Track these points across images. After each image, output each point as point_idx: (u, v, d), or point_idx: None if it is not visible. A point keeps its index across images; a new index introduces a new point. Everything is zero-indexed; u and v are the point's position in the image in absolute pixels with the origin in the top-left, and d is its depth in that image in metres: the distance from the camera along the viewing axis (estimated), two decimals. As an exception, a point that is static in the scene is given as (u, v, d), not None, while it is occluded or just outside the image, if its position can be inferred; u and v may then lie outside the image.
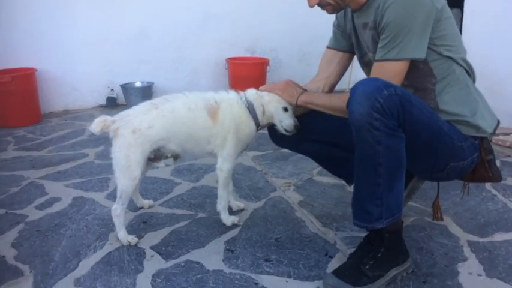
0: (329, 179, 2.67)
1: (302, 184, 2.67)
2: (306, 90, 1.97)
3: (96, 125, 1.93)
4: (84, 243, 2.05)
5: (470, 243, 1.98)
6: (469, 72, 1.76)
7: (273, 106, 1.98)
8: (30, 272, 1.84)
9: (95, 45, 4.51)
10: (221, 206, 2.15)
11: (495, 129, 1.79)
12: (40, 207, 2.42)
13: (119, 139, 1.93)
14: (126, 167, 1.94)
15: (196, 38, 4.81)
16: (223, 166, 2.06)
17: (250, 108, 2.01)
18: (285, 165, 2.96)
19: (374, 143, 1.51)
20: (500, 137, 3.14)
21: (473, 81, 1.79)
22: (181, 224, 2.22)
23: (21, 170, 2.96)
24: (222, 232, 2.12)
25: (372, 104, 1.47)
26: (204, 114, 1.97)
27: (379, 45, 1.66)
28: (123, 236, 2.02)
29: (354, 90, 1.54)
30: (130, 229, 2.14)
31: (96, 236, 2.11)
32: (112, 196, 2.50)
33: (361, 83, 1.54)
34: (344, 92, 1.88)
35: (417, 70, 1.69)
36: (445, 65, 1.68)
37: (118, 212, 2.00)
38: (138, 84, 4.60)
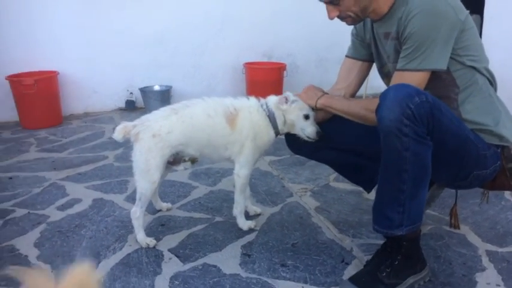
0: (346, 185, 2.67)
1: (319, 190, 2.68)
2: (326, 93, 1.98)
3: (118, 133, 1.98)
4: (103, 244, 2.09)
5: (489, 253, 1.97)
6: (492, 81, 1.75)
7: (294, 115, 1.99)
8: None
9: (115, 49, 4.58)
10: (237, 210, 2.18)
11: None
12: (61, 208, 2.48)
13: (139, 143, 1.97)
14: (146, 170, 1.97)
15: (214, 42, 4.85)
16: (241, 172, 2.08)
17: (271, 117, 2.02)
18: (302, 170, 2.97)
19: (402, 149, 1.51)
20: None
21: (495, 90, 1.79)
22: (199, 227, 2.24)
23: (43, 171, 3.02)
24: (239, 236, 2.14)
25: (403, 110, 1.48)
26: (222, 121, 1.99)
27: (401, 55, 1.66)
28: (141, 238, 2.06)
29: (384, 95, 1.54)
30: (149, 231, 2.18)
31: (116, 237, 2.15)
32: (131, 198, 2.54)
33: (392, 88, 1.55)
34: (362, 98, 1.89)
35: (440, 80, 1.69)
36: (468, 74, 1.68)
37: (137, 214, 2.04)
38: (156, 88, 4.65)
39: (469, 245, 2.03)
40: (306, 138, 1.99)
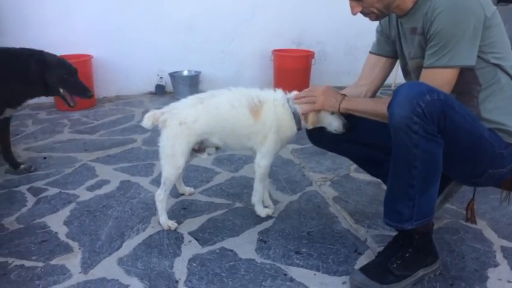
0: (366, 176, 2.68)
1: (338, 180, 2.71)
2: (345, 95, 1.97)
3: (147, 120, 2.07)
4: (128, 225, 2.21)
5: (504, 249, 1.97)
6: None
7: (319, 115, 2.00)
8: (79, 248, 2.01)
9: (147, 35, 4.69)
10: (256, 198, 2.24)
11: None
12: (90, 188, 2.61)
13: (166, 130, 2.05)
14: (172, 156, 2.06)
15: (243, 29, 4.88)
16: (261, 162, 2.12)
17: (295, 113, 2.05)
18: (323, 160, 3.00)
19: (411, 145, 1.54)
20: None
21: None
22: (219, 212, 2.33)
23: (75, 152, 3.17)
24: (257, 223, 2.21)
25: (413, 108, 1.49)
26: (246, 112, 2.03)
27: (428, 52, 1.65)
28: (164, 220, 2.16)
29: (396, 92, 1.56)
30: (171, 214, 2.28)
31: (140, 218, 2.26)
32: (156, 182, 2.65)
33: (405, 86, 1.56)
34: (383, 96, 1.90)
35: (462, 77, 1.67)
36: (492, 72, 1.67)
37: (161, 197, 2.13)
38: (185, 73, 4.75)
39: (484, 240, 2.04)
40: (334, 132, 2.01)
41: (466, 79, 1.68)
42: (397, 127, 1.54)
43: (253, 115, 2.03)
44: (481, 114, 1.70)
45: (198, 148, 2.16)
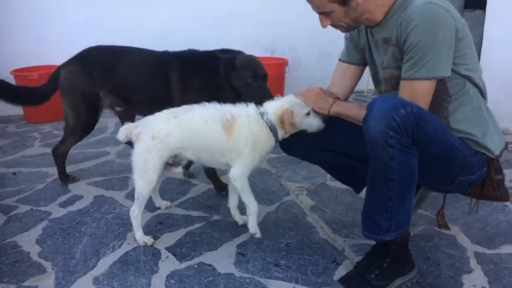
0: (342, 184, 2.69)
1: (315, 189, 2.73)
2: (338, 98, 1.98)
3: (121, 133, 2.06)
4: (103, 242, 2.16)
5: (477, 255, 2.01)
6: (483, 92, 1.78)
7: (298, 119, 1.99)
8: (53, 268, 1.96)
9: (121, 43, 4.60)
10: (249, 211, 2.15)
11: (502, 151, 1.81)
12: (63, 204, 2.55)
13: (139, 143, 2.03)
14: (144, 170, 2.03)
15: (217, 37, 4.84)
16: (235, 173, 2.06)
17: (272, 127, 2.02)
18: (300, 168, 3.02)
19: (388, 159, 1.56)
20: (515, 145, 3.12)
21: (485, 101, 1.81)
22: (196, 225, 2.31)
23: (46, 167, 3.10)
24: (235, 235, 2.20)
25: (388, 122, 1.52)
26: (218, 127, 2.01)
27: (406, 63, 1.67)
28: (140, 236, 2.12)
29: (371, 107, 1.58)
30: (147, 229, 2.24)
31: (115, 235, 2.22)
32: (131, 196, 2.59)
33: (378, 100, 1.58)
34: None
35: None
36: (461, 84, 1.71)
37: (136, 213, 2.10)
38: (159, 82, 4.69)
39: (458, 247, 2.08)
40: (316, 131, 2.01)
41: (437, 90, 1.72)
42: (373, 141, 1.56)
43: (226, 131, 2.01)
44: (451, 124, 1.75)
45: (173, 162, 2.14)
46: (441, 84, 1.70)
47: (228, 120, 2.02)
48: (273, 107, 2.04)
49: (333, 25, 1.79)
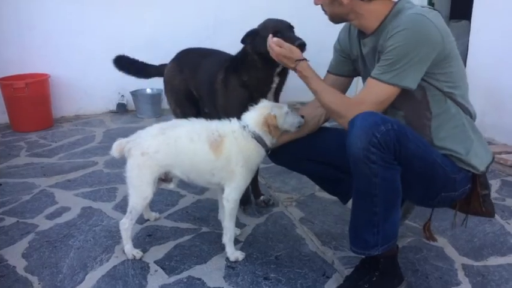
0: (331, 195, 2.71)
1: (304, 200, 2.73)
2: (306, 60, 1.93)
3: (115, 150, 2.03)
4: (91, 255, 2.13)
5: (465, 267, 2.03)
6: (467, 110, 1.79)
7: (279, 122, 1.97)
8: (39, 283, 1.93)
9: (107, 52, 4.53)
10: (227, 238, 2.09)
11: (488, 166, 1.82)
12: (50, 216, 2.52)
13: (131, 159, 2.01)
14: (137, 186, 2.01)
15: (206, 45, 4.83)
16: (230, 196, 2.01)
17: (257, 138, 1.98)
18: (289, 179, 3.02)
19: (371, 175, 1.58)
20: (503, 156, 3.17)
21: (473, 117, 1.82)
22: (185, 238, 2.29)
23: (32, 178, 3.06)
24: (224, 248, 2.17)
25: (369, 138, 1.54)
26: (205, 147, 1.95)
27: (379, 63, 1.70)
28: (128, 249, 2.10)
29: (352, 124, 1.60)
30: (136, 242, 2.22)
31: (103, 248, 2.19)
32: (119, 207, 2.59)
33: (359, 117, 1.60)
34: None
35: (415, 102, 1.74)
36: (442, 101, 1.73)
37: (126, 226, 2.07)
38: (148, 91, 4.68)
39: (446, 259, 2.10)
40: (297, 129, 2.00)
41: (419, 105, 1.75)
42: (356, 158, 1.58)
43: (213, 150, 1.95)
44: (434, 142, 1.77)
45: (165, 177, 2.10)
46: (423, 99, 1.73)
47: (215, 139, 1.97)
48: (253, 117, 2.00)
49: (323, 9, 1.83)
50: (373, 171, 1.57)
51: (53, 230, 2.37)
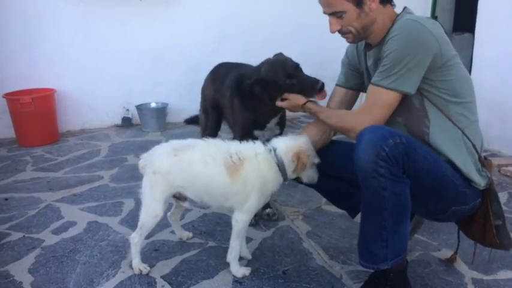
0: (337, 209, 2.69)
1: (310, 213, 2.72)
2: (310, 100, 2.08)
3: (141, 170, 2.02)
4: (97, 270, 2.12)
5: (475, 281, 2.01)
6: (467, 118, 1.78)
7: (309, 164, 1.95)
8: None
9: (112, 67, 4.64)
10: (232, 256, 2.05)
11: (487, 184, 1.80)
12: (56, 231, 2.51)
13: (145, 177, 2.00)
14: (148, 203, 1.99)
15: (210, 60, 4.81)
16: (239, 218, 1.98)
17: (280, 165, 1.93)
18: (294, 192, 3.01)
19: (379, 189, 1.57)
20: (509, 168, 3.15)
21: (474, 123, 1.81)
22: (192, 252, 2.28)
23: (38, 192, 3.06)
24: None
25: (377, 152, 1.54)
26: (221, 170, 1.89)
27: (378, 70, 1.73)
28: (136, 264, 2.08)
29: (360, 138, 1.60)
30: (143, 256, 2.20)
31: (109, 263, 2.18)
32: (125, 221, 2.58)
33: (367, 131, 1.61)
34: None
35: (413, 109, 1.76)
36: (441, 110, 1.73)
37: (136, 240, 2.05)
38: (153, 105, 4.71)
39: (456, 273, 2.08)
40: (309, 183, 2.04)
41: (417, 113, 1.76)
42: (364, 172, 1.59)
43: (230, 174, 1.88)
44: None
45: (179, 196, 2.07)
46: (421, 106, 1.75)
47: (234, 162, 1.90)
48: (286, 144, 1.94)
49: (341, 32, 1.83)
50: (382, 185, 1.57)
51: (59, 245, 2.36)
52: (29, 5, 4.23)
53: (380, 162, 1.55)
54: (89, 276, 2.08)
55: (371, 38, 1.83)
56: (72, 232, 2.50)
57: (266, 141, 2.06)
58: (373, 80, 1.74)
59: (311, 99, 2.09)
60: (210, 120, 2.98)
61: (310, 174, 2.00)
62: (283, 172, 1.95)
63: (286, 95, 2.13)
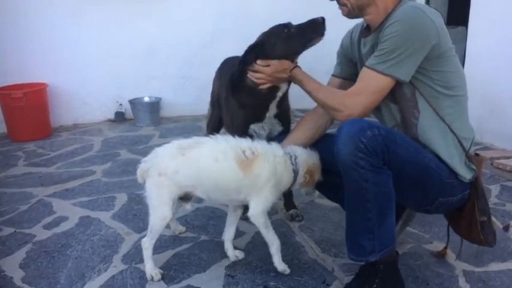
0: (330, 202, 2.69)
1: (303, 206, 2.72)
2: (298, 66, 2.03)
3: (139, 177, 1.97)
4: (89, 265, 2.12)
5: (466, 273, 2.02)
6: (457, 112, 1.78)
7: (317, 176, 1.96)
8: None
9: (105, 61, 4.61)
10: (274, 248, 2.00)
11: (473, 177, 1.79)
12: (48, 226, 2.50)
13: (149, 179, 1.93)
14: (156, 206, 1.93)
15: (204, 53, 4.88)
16: (255, 211, 1.93)
17: (296, 173, 1.93)
18: (288, 186, 3.00)
19: (361, 180, 1.58)
20: (502, 161, 3.15)
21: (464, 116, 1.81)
22: (184, 246, 2.28)
23: (30, 187, 3.04)
24: (223, 256, 2.17)
25: (356, 144, 1.55)
26: (233, 165, 1.85)
27: (374, 53, 1.71)
28: (149, 269, 2.00)
29: (339, 131, 1.62)
30: (135, 251, 2.21)
31: (101, 258, 2.18)
32: (117, 216, 2.57)
33: (346, 124, 1.62)
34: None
35: (405, 98, 1.76)
36: (431, 102, 1.73)
37: (147, 245, 1.98)
38: (146, 99, 4.69)
39: (447, 265, 2.08)
40: (306, 194, 2.07)
41: (408, 102, 1.75)
42: (344, 164, 1.60)
43: (242, 168, 1.85)
44: (420, 142, 1.76)
45: (185, 196, 2.01)
46: (412, 96, 1.74)
47: (246, 157, 1.87)
48: (307, 156, 1.95)
49: (338, 2, 1.82)
50: (363, 177, 1.58)
51: (51, 240, 2.35)
52: (19, 0, 4.19)
53: (359, 154, 1.55)
54: (81, 271, 2.07)
55: (370, 20, 1.82)
56: (63, 227, 2.49)
57: (270, 140, 2.04)
58: (369, 63, 1.72)
59: (298, 65, 2.03)
60: (214, 115, 2.97)
61: (309, 190, 2.03)
62: (295, 180, 1.95)
63: (266, 62, 2.03)
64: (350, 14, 1.84)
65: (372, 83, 1.71)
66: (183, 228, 2.43)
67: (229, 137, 1.97)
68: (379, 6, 1.77)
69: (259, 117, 2.34)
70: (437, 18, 1.67)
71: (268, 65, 2.03)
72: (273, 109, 2.32)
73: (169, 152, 1.92)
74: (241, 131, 2.27)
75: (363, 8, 1.78)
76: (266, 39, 2.15)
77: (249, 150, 1.89)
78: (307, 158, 1.95)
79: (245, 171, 1.85)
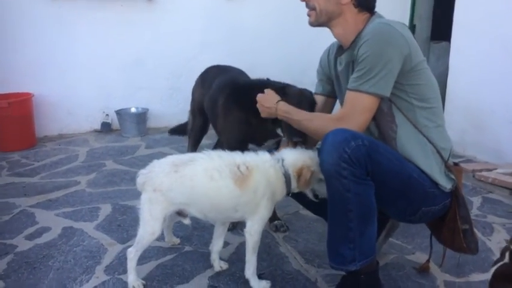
0: (314, 213, 2.73)
1: (288, 218, 2.73)
2: (282, 100, 2.01)
3: (138, 188, 1.95)
4: (70, 276, 2.10)
5: (447, 284, 2.04)
6: (436, 124, 1.81)
7: (312, 180, 1.87)
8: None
9: (92, 71, 4.60)
10: (250, 272, 1.98)
11: (452, 186, 1.83)
12: (30, 237, 2.47)
13: (144, 193, 1.92)
14: (146, 220, 1.91)
15: (191, 65, 4.87)
16: (253, 229, 1.91)
17: (286, 176, 1.88)
18: (273, 197, 3.01)
19: (343, 190, 1.60)
20: (483, 173, 3.21)
21: (440, 127, 1.84)
22: (168, 257, 2.27)
23: (13, 197, 3.00)
24: (207, 267, 2.17)
25: (340, 154, 1.57)
26: (229, 183, 1.82)
27: (354, 75, 1.74)
28: (132, 280, 1.97)
29: (324, 141, 1.64)
30: (118, 261, 2.20)
31: (83, 269, 2.16)
32: (101, 227, 2.56)
33: (331, 134, 1.64)
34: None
35: (382, 113, 1.79)
36: (408, 115, 1.77)
37: (132, 255, 1.97)
38: (133, 110, 4.69)
39: (428, 276, 2.11)
40: (313, 198, 1.92)
41: (385, 117, 1.79)
42: (328, 174, 1.62)
43: (239, 185, 1.82)
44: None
45: (181, 212, 1.99)
46: (389, 111, 1.78)
47: (241, 173, 1.84)
48: (293, 157, 1.89)
49: (308, 5, 1.86)
50: (345, 187, 1.60)
51: (33, 250, 2.33)
52: (6, 9, 4.18)
53: (342, 164, 1.57)
54: (62, 282, 2.05)
55: (338, 34, 1.87)
56: (46, 238, 2.46)
57: (272, 150, 2.03)
58: (351, 85, 1.74)
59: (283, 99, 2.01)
60: (196, 123, 3.03)
61: (319, 189, 1.89)
62: (288, 184, 1.89)
63: (258, 96, 2.06)
64: (317, 21, 1.88)
65: (359, 104, 1.73)
66: (177, 240, 2.40)
67: (222, 153, 1.94)
68: (349, 21, 1.82)
69: (258, 143, 2.42)
70: (405, 31, 1.73)
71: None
72: (272, 141, 2.39)
73: (163, 169, 1.89)
74: (239, 147, 2.18)
75: (331, 16, 1.83)
76: (296, 96, 2.12)
77: (243, 165, 1.86)
78: (296, 158, 1.88)
79: (242, 187, 1.83)
